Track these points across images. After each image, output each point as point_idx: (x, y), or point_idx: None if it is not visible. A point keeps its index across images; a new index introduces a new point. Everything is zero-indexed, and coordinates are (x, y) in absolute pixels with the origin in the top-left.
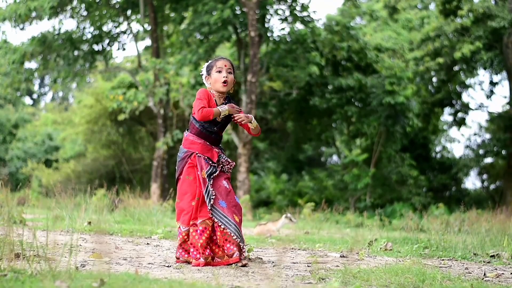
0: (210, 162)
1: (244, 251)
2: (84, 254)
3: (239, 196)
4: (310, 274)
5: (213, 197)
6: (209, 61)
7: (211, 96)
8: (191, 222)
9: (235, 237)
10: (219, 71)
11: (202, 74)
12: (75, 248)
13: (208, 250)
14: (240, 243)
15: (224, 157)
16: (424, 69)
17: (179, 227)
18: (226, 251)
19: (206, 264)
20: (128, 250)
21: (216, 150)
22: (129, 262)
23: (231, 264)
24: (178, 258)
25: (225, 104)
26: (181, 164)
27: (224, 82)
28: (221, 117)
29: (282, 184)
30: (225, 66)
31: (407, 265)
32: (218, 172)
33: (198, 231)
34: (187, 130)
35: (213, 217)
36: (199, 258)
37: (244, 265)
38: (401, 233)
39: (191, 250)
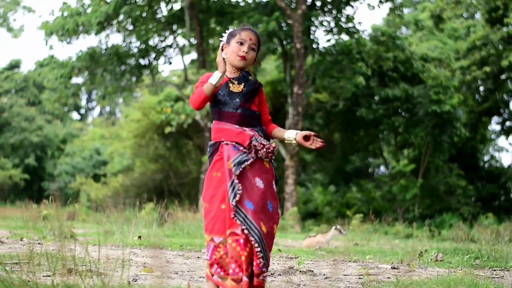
0: (241, 148)
1: (264, 275)
2: (136, 269)
3: (287, 208)
4: (362, 287)
5: (239, 191)
6: (234, 28)
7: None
8: (228, 231)
9: (258, 248)
10: (241, 43)
11: (222, 39)
12: (126, 263)
13: (251, 267)
14: (262, 259)
15: (259, 139)
16: (471, 78)
17: (212, 239)
18: (231, 274)
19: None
20: (179, 264)
21: (249, 132)
22: (180, 276)
23: None
24: (212, 275)
25: (239, 80)
26: (211, 161)
27: (242, 57)
28: (215, 83)
29: (330, 196)
30: (250, 39)
31: (459, 276)
32: (250, 160)
33: (241, 241)
34: (212, 121)
35: (236, 220)
36: (241, 278)
37: None
38: (451, 244)
39: (232, 266)
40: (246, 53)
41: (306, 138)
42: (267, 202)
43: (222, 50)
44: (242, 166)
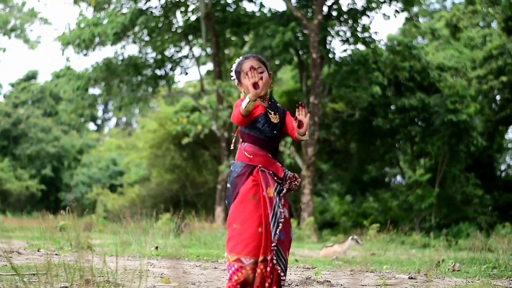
0: (275, 178)
1: None
2: (153, 279)
3: (304, 218)
4: None
5: (281, 221)
6: (235, 64)
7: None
8: (261, 257)
9: (284, 277)
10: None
11: (233, 79)
12: (144, 274)
13: None
14: (282, 286)
15: (288, 172)
16: (487, 88)
17: (239, 259)
18: None
19: None
20: (196, 274)
21: (279, 164)
22: (197, 286)
23: None
24: None
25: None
26: (240, 180)
27: (255, 84)
28: (249, 108)
29: (346, 206)
30: (252, 66)
31: (477, 286)
32: (284, 191)
33: (269, 268)
34: (241, 141)
35: (274, 250)
36: None
37: None
38: (468, 253)
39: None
40: (260, 79)
41: (299, 124)
42: (290, 230)
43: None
44: (281, 195)
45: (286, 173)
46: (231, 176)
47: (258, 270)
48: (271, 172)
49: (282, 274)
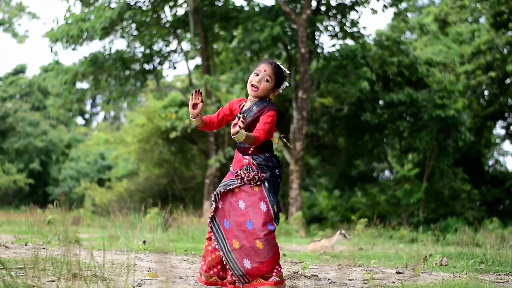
0: (233, 173)
1: (238, 282)
2: (141, 274)
3: (292, 213)
4: None
5: (213, 208)
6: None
7: (234, 103)
8: (207, 236)
9: (225, 261)
10: (256, 74)
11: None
12: (131, 268)
13: (214, 270)
14: (230, 270)
15: (248, 168)
16: (475, 83)
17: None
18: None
19: (207, 283)
20: (183, 268)
21: (246, 160)
22: (185, 281)
23: None
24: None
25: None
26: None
27: (253, 87)
28: (191, 122)
29: (335, 200)
30: (265, 71)
31: (464, 281)
32: (235, 185)
33: (211, 247)
34: None
35: (210, 230)
36: (201, 275)
37: None
38: (456, 248)
39: (202, 263)
40: (258, 82)
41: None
42: (246, 221)
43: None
44: (226, 188)
45: (240, 171)
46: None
47: (206, 248)
48: (233, 169)
49: (224, 259)
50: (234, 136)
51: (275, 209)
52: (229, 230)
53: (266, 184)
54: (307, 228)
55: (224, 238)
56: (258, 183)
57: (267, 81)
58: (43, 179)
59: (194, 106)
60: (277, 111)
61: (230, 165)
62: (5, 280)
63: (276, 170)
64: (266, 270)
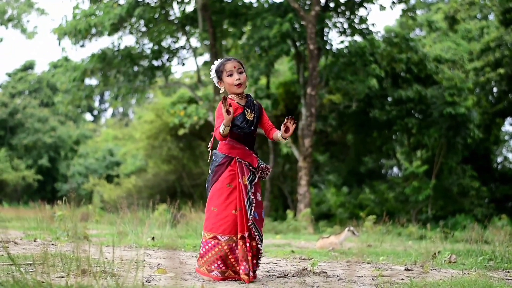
0: (251, 168)
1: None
2: (150, 270)
3: (300, 210)
4: None
5: (254, 205)
6: (216, 64)
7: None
8: (240, 235)
9: (262, 250)
10: (230, 75)
11: (212, 78)
12: (140, 264)
13: (251, 263)
14: (262, 257)
15: (262, 163)
16: (484, 80)
17: (215, 237)
18: (243, 270)
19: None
20: (192, 265)
21: (254, 155)
22: (194, 277)
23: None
24: (211, 271)
25: (244, 105)
26: (220, 169)
27: (238, 84)
28: (225, 133)
29: (343, 197)
30: (235, 67)
31: (473, 278)
32: (257, 179)
33: (248, 244)
34: None
35: (252, 228)
36: (248, 273)
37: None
38: (465, 245)
39: (244, 264)
40: (239, 79)
41: (286, 129)
42: (262, 210)
43: (219, 92)
44: (253, 184)
45: (260, 163)
46: (213, 164)
47: (239, 246)
48: (247, 162)
49: (260, 246)
50: (284, 140)
51: None
52: (258, 221)
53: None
54: (315, 225)
55: (259, 229)
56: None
57: (241, 73)
58: (51, 175)
59: (228, 112)
60: None
61: (237, 158)
62: (14, 276)
63: None
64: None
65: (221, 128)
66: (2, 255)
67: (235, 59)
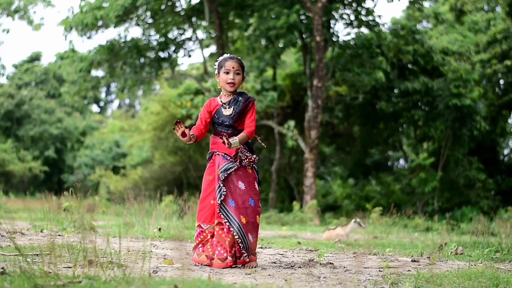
0: (228, 158)
1: (245, 255)
2: (156, 261)
3: (306, 201)
4: (382, 279)
5: (224, 193)
6: (220, 59)
7: (211, 105)
8: (216, 221)
9: (237, 236)
10: (227, 73)
11: (214, 68)
12: (147, 255)
13: (234, 249)
14: (241, 244)
15: (243, 152)
16: (491, 72)
17: (199, 225)
18: (217, 255)
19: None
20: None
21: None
22: (200, 268)
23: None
24: (197, 256)
25: (230, 104)
26: (208, 164)
27: (231, 83)
28: (186, 143)
29: (349, 189)
30: (233, 68)
31: (480, 269)
32: (235, 167)
33: (225, 229)
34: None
35: (220, 214)
36: (226, 258)
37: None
38: (471, 237)
39: (218, 249)
40: (233, 79)
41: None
42: (248, 199)
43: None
44: (227, 173)
45: (239, 153)
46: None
47: (215, 232)
48: (223, 154)
49: (235, 234)
50: (231, 147)
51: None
52: (236, 208)
53: (255, 166)
54: (321, 217)
55: (233, 216)
56: (254, 165)
57: (238, 74)
58: (58, 166)
59: (183, 134)
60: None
61: (216, 151)
62: (21, 267)
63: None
64: (255, 247)
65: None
66: (9, 245)
67: (238, 59)
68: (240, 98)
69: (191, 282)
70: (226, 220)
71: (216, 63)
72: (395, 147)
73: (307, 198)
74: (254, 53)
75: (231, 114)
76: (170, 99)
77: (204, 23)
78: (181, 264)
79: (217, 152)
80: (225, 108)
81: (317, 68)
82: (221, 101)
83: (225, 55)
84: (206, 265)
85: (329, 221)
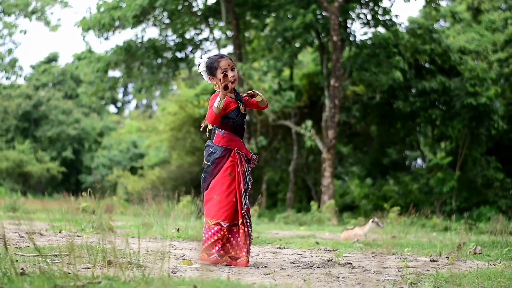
0: (246, 159)
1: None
2: (175, 261)
3: (324, 201)
4: (401, 279)
5: (248, 193)
6: (209, 60)
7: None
8: (240, 221)
9: (253, 237)
10: (225, 72)
11: (199, 70)
12: (166, 255)
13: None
14: (250, 245)
15: (252, 154)
16: (508, 71)
17: (218, 223)
18: (245, 253)
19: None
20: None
21: (246, 145)
22: (219, 268)
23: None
24: (210, 255)
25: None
26: (221, 161)
27: (233, 81)
28: (220, 106)
29: (367, 189)
30: (229, 65)
31: (499, 269)
32: (250, 169)
33: (246, 229)
34: (218, 129)
35: (245, 215)
36: (245, 256)
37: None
38: (489, 237)
39: (245, 249)
40: (234, 76)
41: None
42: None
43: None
44: (248, 173)
45: (252, 154)
46: (212, 156)
47: (240, 232)
48: (243, 153)
49: (251, 232)
50: (259, 99)
51: None
52: (248, 208)
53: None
54: (339, 216)
55: (250, 217)
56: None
57: (233, 69)
58: (75, 167)
59: (226, 87)
60: None
61: (236, 149)
62: (41, 267)
63: None
64: None
65: (216, 102)
66: (28, 246)
67: (227, 56)
68: (238, 92)
69: (210, 283)
70: (248, 221)
71: (202, 66)
72: (413, 147)
73: (325, 198)
74: (271, 53)
75: (245, 112)
76: (187, 99)
77: (221, 23)
78: (200, 264)
79: (238, 151)
80: (242, 106)
81: (334, 68)
82: (231, 97)
83: (212, 57)
84: (226, 265)
85: (347, 221)
